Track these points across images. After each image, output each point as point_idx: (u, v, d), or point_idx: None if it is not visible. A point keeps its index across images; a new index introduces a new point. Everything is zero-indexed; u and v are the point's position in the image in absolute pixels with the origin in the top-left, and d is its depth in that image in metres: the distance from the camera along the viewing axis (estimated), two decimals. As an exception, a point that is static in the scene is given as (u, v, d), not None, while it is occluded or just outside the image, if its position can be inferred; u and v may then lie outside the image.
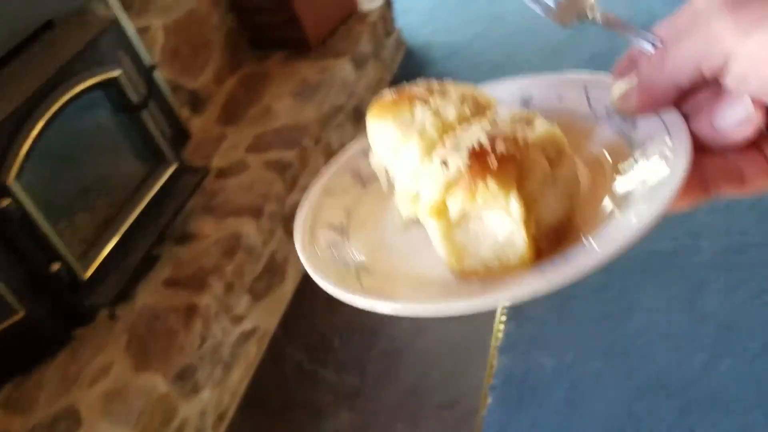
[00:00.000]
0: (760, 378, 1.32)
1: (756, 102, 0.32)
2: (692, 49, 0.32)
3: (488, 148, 0.35)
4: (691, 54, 0.32)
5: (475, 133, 0.36)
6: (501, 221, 0.34)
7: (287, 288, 1.83)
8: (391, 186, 0.42)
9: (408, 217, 0.41)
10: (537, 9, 0.41)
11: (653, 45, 0.35)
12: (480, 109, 0.40)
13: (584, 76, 0.44)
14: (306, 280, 1.68)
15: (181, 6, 2.06)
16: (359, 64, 2.31)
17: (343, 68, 2.22)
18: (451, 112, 0.39)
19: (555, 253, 0.35)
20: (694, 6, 0.33)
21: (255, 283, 1.70)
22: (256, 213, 1.71)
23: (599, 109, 0.42)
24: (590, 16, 0.39)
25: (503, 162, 0.34)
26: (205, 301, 1.51)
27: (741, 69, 0.30)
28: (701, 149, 0.35)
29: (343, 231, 0.43)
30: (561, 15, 0.40)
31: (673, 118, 0.36)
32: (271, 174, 1.82)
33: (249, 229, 1.68)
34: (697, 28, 0.31)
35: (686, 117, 0.36)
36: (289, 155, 1.88)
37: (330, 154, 2.01)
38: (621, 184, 0.37)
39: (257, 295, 1.71)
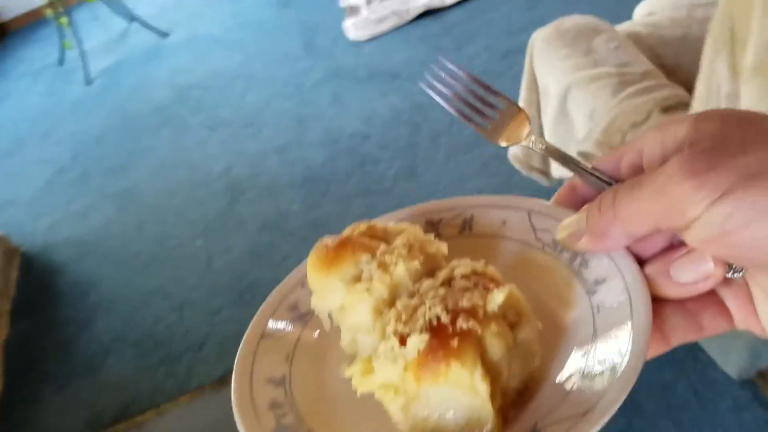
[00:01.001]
0: None
1: (716, 259, 0.32)
2: (651, 208, 0.31)
3: (447, 323, 0.34)
4: (650, 212, 0.31)
5: (431, 303, 0.35)
6: (465, 397, 0.34)
7: None
8: (335, 328, 0.40)
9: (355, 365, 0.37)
10: (472, 126, 0.44)
11: (606, 183, 0.36)
12: (429, 260, 0.39)
13: (527, 201, 0.43)
14: None
15: None
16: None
17: None
18: (400, 269, 0.38)
19: (521, 413, 0.35)
20: (650, 157, 0.33)
21: None
22: None
23: (546, 238, 0.41)
24: (528, 143, 0.41)
25: (464, 339, 0.34)
26: None
27: (705, 235, 0.30)
28: (656, 295, 0.34)
29: (285, 387, 0.40)
30: (494, 133, 0.43)
31: (628, 264, 0.36)
32: None
33: None
34: (656, 186, 0.31)
35: (639, 260, 0.35)
36: None
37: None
38: (580, 342, 0.36)
39: None
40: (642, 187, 0.31)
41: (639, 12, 1.38)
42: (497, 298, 0.35)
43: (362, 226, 0.41)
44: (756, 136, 0.29)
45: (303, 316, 0.43)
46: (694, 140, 0.30)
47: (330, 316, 0.40)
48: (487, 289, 0.36)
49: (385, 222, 0.43)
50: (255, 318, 0.43)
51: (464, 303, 0.35)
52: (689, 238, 0.31)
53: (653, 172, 0.31)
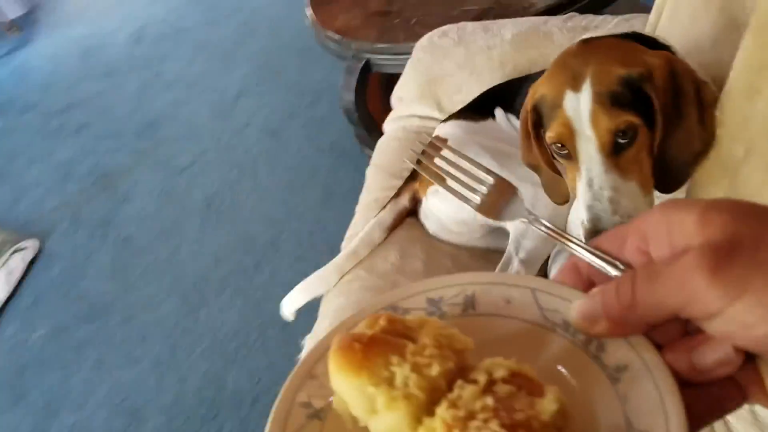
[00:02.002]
0: None
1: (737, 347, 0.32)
2: (671, 300, 0.32)
3: None
4: (670, 303, 0.32)
5: (485, 417, 0.33)
6: None
7: None
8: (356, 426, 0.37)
9: None
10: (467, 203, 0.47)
11: (613, 266, 0.36)
12: (459, 356, 0.37)
13: (529, 279, 0.42)
14: None
15: None
16: None
17: None
18: (435, 371, 0.35)
19: None
20: (658, 244, 0.34)
21: None
22: None
23: (555, 319, 0.40)
24: (528, 220, 0.42)
25: None
26: None
27: (726, 328, 0.31)
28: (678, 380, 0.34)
29: None
30: (488, 209, 0.45)
31: (649, 351, 0.35)
32: None
33: None
34: (676, 279, 0.31)
35: (658, 345, 0.35)
36: None
37: None
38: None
39: None
40: (660, 278, 0.32)
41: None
42: (550, 406, 0.34)
43: (382, 320, 0.39)
44: (766, 230, 0.31)
45: (319, 412, 0.41)
46: (706, 235, 0.31)
47: (353, 417, 0.39)
48: (531, 394, 0.35)
49: (397, 309, 0.43)
50: (271, 424, 0.40)
51: (518, 416, 0.34)
52: (710, 329, 0.32)
53: (671, 263, 0.32)
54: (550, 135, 0.76)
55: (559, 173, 0.86)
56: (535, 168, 0.90)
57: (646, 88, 0.72)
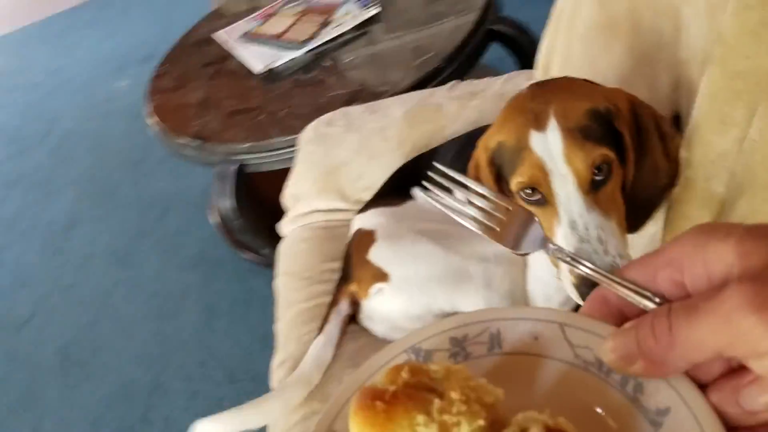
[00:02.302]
0: None
1: None
2: (714, 338, 0.30)
3: None
4: (712, 341, 0.30)
5: None
6: None
7: None
8: None
9: None
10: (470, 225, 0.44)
11: (646, 299, 0.34)
12: (489, 410, 0.34)
13: (557, 313, 0.39)
14: None
15: None
16: None
17: None
18: (464, 428, 0.32)
19: None
20: (694, 277, 0.32)
21: None
22: None
23: (587, 356, 0.37)
24: (549, 251, 0.41)
25: None
26: None
27: None
28: (724, 424, 0.32)
29: None
30: (504, 235, 0.42)
31: (692, 393, 0.33)
32: None
33: None
34: (719, 316, 0.29)
35: (701, 384, 0.33)
36: None
37: None
38: None
39: None
40: (701, 314, 0.30)
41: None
42: None
43: (405, 372, 0.35)
44: None
45: None
46: (746, 267, 0.30)
47: None
48: None
49: (419, 351, 0.40)
50: None
51: None
52: (759, 368, 0.30)
53: (712, 299, 0.30)
54: (519, 181, 0.70)
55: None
56: None
57: (615, 122, 0.70)
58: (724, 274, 0.30)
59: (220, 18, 2.11)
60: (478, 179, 0.80)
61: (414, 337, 0.41)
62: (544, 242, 0.43)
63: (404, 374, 0.35)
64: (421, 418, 0.33)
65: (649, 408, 0.35)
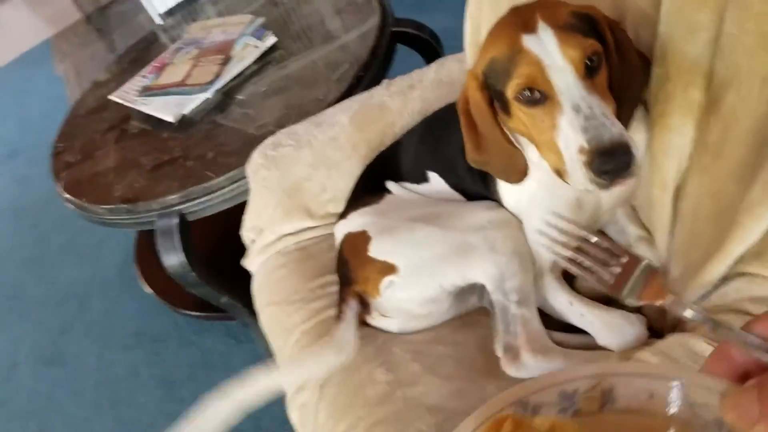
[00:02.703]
0: None
1: None
2: None
3: None
4: None
5: None
6: None
7: None
8: None
9: None
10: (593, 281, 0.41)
11: None
12: None
13: (676, 370, 0.40)
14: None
15: None
16: None
17: None
18: None
19: None
20: None
21: None
22: None
23: (706, 416, 0.36)
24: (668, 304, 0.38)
25: None
26: None
27: None
28: None
29: None
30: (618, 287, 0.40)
31: None
32: None
33: None
34: None
35: None
36: None
37: None
38: None
39: None
40: None
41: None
42: None
43: (508, 425, 0.36)
44: None
45: None
46: None
47: None
48: None
49: (527, 405, 0.39)
50: None
51: None
52: None
53: None
54: (518, 82, 0.73)
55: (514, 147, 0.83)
56: (485, 164, 0.87)
57: (597, 24, 0.75)
58: None
59: (101, 87, 2.03)
60: (468, 115, 0.83)
61: (523, 389, 0.40)
62: (664, 293, 0.40)
63: (508, 427, 0.35)
64: None
65: None
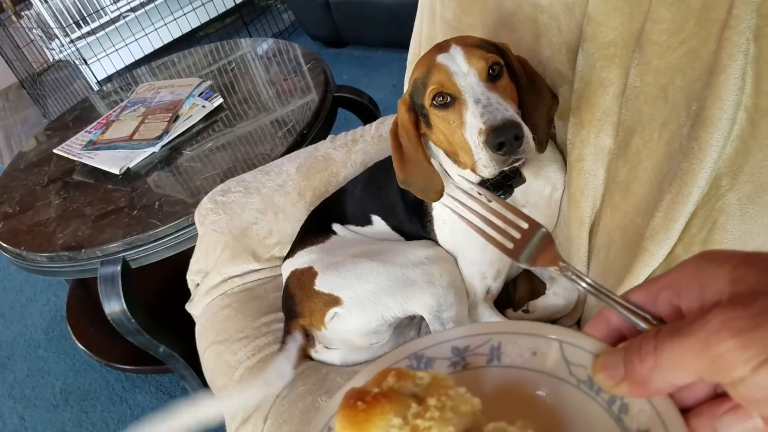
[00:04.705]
0: None
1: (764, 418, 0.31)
2: (694, 361, 0.30)
3: None
4: (693, 364, 0.30)
5: None
6: None
7: None
8: None
9: None
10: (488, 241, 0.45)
11: (642, 319, 0.35)
12: (464, 419, 0.36)
13: (558, 330, 0.40)
14: None
15: None
16: None
17: None
18: None
19: None
20: (689, 300, 0.32)
21: None
22: None
23: (580, 375, 0.38)
24: (561, 269, 0.41)
25: None
26: None
27: (751, 395, 0.29)
28: None
29: None
30: (518, 251, 0.43)
31: (672, 416, 0.33)
32: None
33: None
34: (699, 339, 0.29)
35: (682, 407, 0.34)
36: None
37: None
38: None
39: None
40: (684, 337, 0.30)
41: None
42: None
43: (391, 376, 0.38)
44: None
45: None
46: (736, 293, 0.30)
47: None
48: None
49: (421, 358, 0.42)
50: None
51: None
52: (735, 394, 0.30)
53: (696, 322, 0.30)
54: (431, 89, 0.87)
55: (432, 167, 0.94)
56: (410, 183, 0.96)
57: (504, 55, 0.88)
58: (715, 299, 0.31)
59: (42, 143, 2.04)
60: (397, 137, 0.95)
61: (419, 344, 0.43)
62: (556, 259, 0.43)
63: (390, 379, 0.38)
64: (396, 421, 0.35)
65: (630, 428, 0.35)
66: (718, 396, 0.33)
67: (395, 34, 2.37)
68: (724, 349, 0.28)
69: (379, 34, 2.94)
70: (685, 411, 0.34)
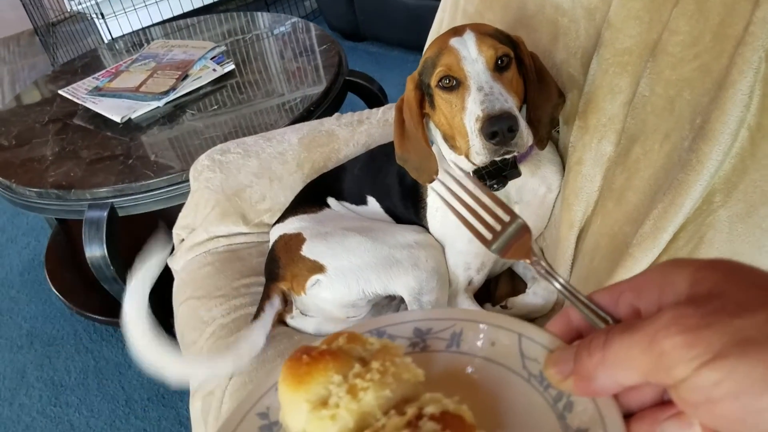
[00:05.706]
0: None
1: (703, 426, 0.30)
2: (639, 358, 0.29)
3: None
4: (638, 362, 0.29)
5: None
6: None
7: None
8: None
9: None
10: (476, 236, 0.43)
11: (601, 319, 0.34)
12: (403, 387, 0.36)
13: (521, 325, 0.40)
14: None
15: None
16: None
17: None
18: (370, 396, 0.34)
19: None
20: (648, 301, 0.32)
21: None
22: None
23: (533, 369, 0.38)
24: (533, 262, 0.41)
25: None
26: None
27: (691, 398, 0.28)
28: None
29: None
30: (494, 242, 0.43)
31: (613, 418, 0.33)
32: None
33: None
34: (647, 335, 0.29)
35: (627, 411, 0.34)
36: None
37: None
38: None
39: None
40: (633, 333, 0.30)
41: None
42: None
43: (342, 338, 0.38)
44: (757, 296, 0.28)
45: (272, 425, 0.39)
46: (692, 294, 0.29)
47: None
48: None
49: (382, 334, 0.42)
50: (221, 426, 0.39)
51: None
52: (676, 398, 0.29)
53: (647, 319, 0.30)
54: (439, 70, 0.88)
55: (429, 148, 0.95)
56: (406, 160, 0.97)
57: (517, 49, 0.90)
58: (673, 301, 0.30)
59: (48, 84, 2.04)
60: (400, 112, 0.96)
61: (384, 321, 0.43)
62: (529, 252, 0.43)
63: (341, 339, 0.38)
64: (336, 378, 0.35)
65: (571, 426, 0.35)
66: (664, 403, 0.33)
67: (413, 35, 2.39)
68: (669, 345, 0.28)
69: (397, 33, 2.95)
70: (630, 416, 0.33)
